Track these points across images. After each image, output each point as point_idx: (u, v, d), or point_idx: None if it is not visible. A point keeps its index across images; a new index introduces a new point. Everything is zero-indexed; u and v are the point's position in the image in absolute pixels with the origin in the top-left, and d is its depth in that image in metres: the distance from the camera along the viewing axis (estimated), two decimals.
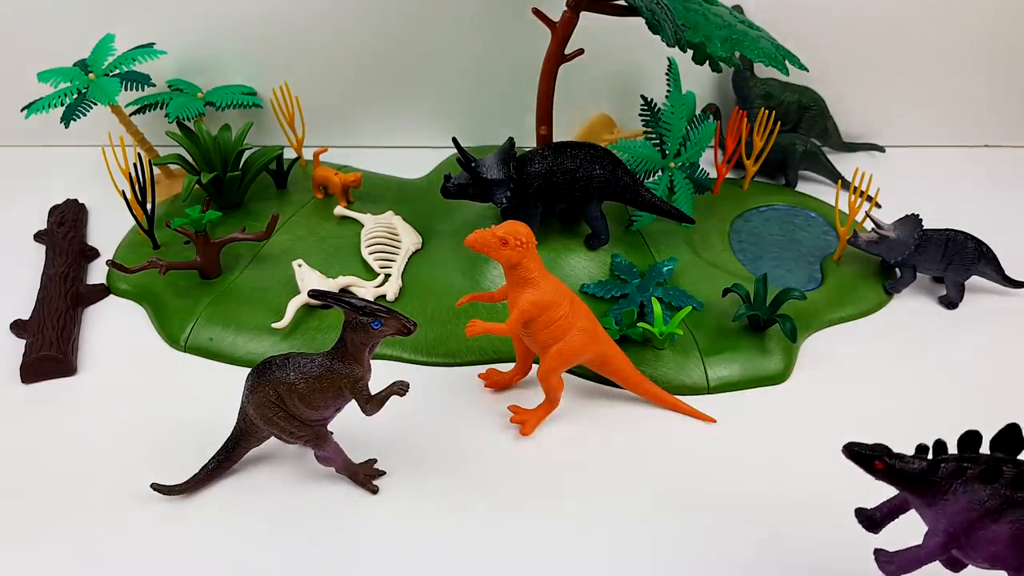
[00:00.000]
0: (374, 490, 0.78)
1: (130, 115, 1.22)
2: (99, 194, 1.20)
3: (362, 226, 1.10)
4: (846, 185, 1.23)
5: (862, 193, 1.09)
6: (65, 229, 1.11)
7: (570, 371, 0.92)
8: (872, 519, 0.65)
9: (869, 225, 1.07)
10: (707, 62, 0.91)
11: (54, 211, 1.17)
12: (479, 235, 0.76)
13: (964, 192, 1.28)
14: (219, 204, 1.14)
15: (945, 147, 1.40)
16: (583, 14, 0.97)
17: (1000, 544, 0.59)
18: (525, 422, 0.84)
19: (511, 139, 0.98)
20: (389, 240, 1.07)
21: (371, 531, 0.75)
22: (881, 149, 1.35)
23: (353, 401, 0.73)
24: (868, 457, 0.61)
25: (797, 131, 1.27)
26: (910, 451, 0.62)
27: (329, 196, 1.19)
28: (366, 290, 1.00)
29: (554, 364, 0.81)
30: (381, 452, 0.82)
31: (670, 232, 1.10)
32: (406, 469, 0.81)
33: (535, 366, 0.88)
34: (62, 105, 1.13)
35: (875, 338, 0.99)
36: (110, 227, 1.15)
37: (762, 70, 1.24)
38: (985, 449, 0.61)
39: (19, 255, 1.10)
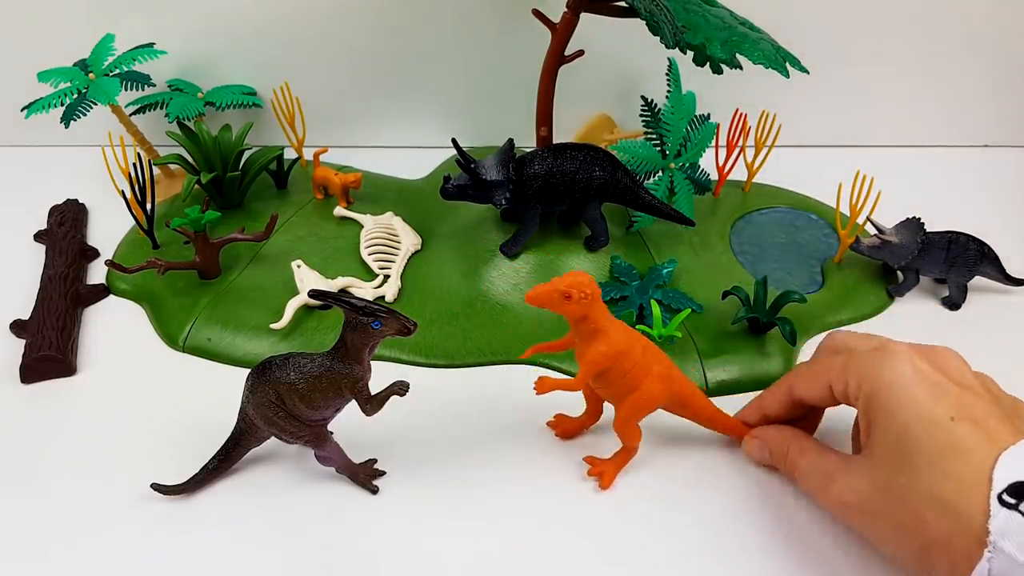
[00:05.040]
0: (374, 490, 0.78)
1: (130, 115, 1.22)
2: (99, 194, 1.20)
3: (362, 227, 1.10)
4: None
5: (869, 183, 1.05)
6: (65, 229, 1.11)
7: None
8: None
9: (871, 229, 1.07)
10: (707, 64, 0.91)
11: (54, 211, 1.17)
12: (540, 291, 0.70)
13: (964, 192, 1.28)
14: (219, 204, 1.14)
15: (945, 147, 1.40)
16: (583, 15, 0.97)
17: None
18: (603, 474, 0.79)
19: (511, 140, 0.98)
20: (388, 241, 1.07)
21: (371, 531, 0.75)
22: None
23: (353, 401, 0.73)
24: None
25: None
26: None
27: (329, 197, 1.19)
28: (365, 291, 1.00)
29: (630, 414, 0.76)
30: (381, 452, 0.82)
31: (670, 234, 1.10)
32: (406, 469, 0.81)
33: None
34: (62, 105, 1.13)
35: None
36: (110, 227, 1.15)
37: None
38: None
39: (19, 255, 1.10)
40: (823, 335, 0.98)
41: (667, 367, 0.76)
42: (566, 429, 0.84)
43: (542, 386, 0.72)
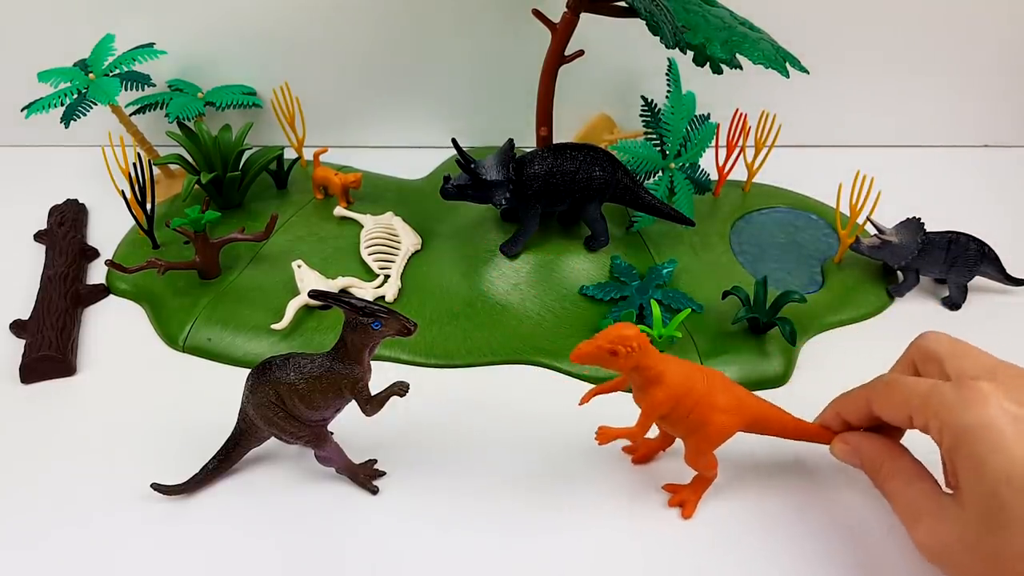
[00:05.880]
0: (374, 490, 0.78)
1: (130, 115, 1.22)
2: (99, 194, 1.20)
3: (362, 227, 1.10)
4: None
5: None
6: (65, 229, 1.11)
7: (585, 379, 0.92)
8: None
9: (872, 229, 1.07)
10: (707, 64, 0.91)
11: (54, 211, 1.17)
12: (584, 349, 0.66)
13: (964, 192, 1.28)
14: (219, 204, 1.14)
15: (945, 147, 1.40)
16: (583, 15, 0.97)
17: None
18: (685, 503, 0.77)
19: (511, 140, 0.98)
20: (388, 241, 1.07)
21: (371, 531, 0.75)
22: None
23: (353, 402, 0.73)
24: None
25: None
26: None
27: (329, 197, 1.19)
28: (365, 291, 1.00)
29: (701, 450, 0.73)
30: (381, 452, 0.82)
31: (670, 234, 1.10)
32: (406, 469, 0.81)
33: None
34: (62, 105, 1.13)
35: (876, 341, 0.99)
36: (110, 227, 1.15)
37: None
38: None
39: (19, 255, 1.10)
40: (824, 335, 0.99)
41: (735, 396, 0.72)
42: (643, 454, 0.81)
43: (603, 437, 0.71)
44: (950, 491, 0.63)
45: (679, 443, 0.77)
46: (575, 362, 0.67)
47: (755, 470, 0.81)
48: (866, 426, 0.73)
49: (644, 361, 0.67)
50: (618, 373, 0.73)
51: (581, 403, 0.74)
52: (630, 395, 0.73)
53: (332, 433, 0.78)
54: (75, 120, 1.13)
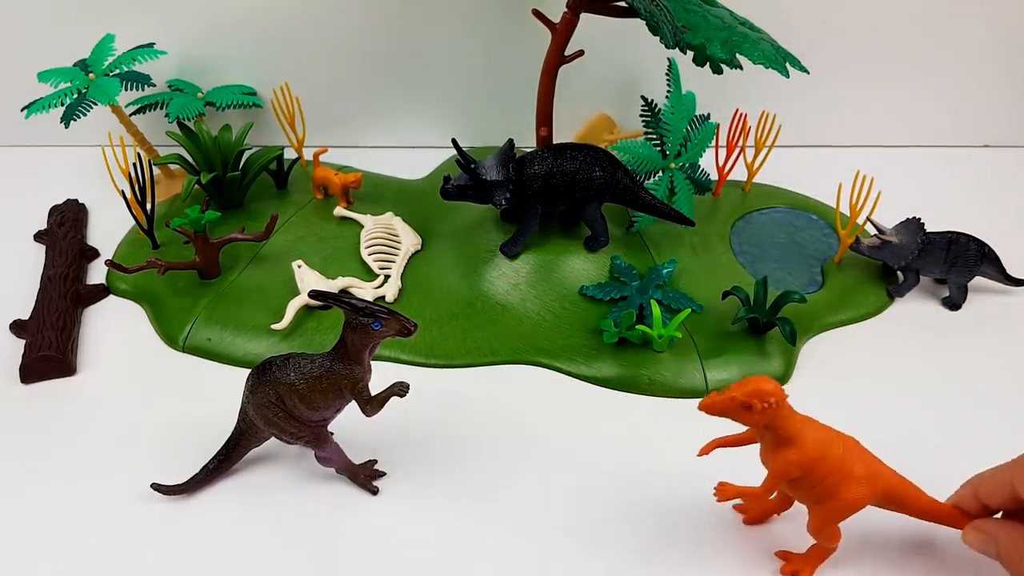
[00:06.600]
0: (374, 490, 0.78)
1: (130, 115, 1.22)
2: (99, 194, 1.20)
3: (362, 227, 1.10)
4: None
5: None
6: (65, 229, 1.11)
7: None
8: None
9: (871, 229, 1.07)
10: (707, 64, 0.91)
11: (54, 211, 1.17)
12: (717, 400, 0.63)
13: (964, 192, 1.28)
14: (219, 204, 1.14)
15: (945, 147, 1.40)
16: (583, 15, 0.97)
17: None
18: (798, 573, 0.71)
19: (511, 140, 0.98)
20: (389, 241, 1.07)
21: (371, 531, 0.75)
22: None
23: (353, 402, 0.73)
24: None
25: None
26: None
27: (329, 197, 1.19)
28: (365, 291, 1.00)
29: (828, 521, 0.68)
30: (381, 452, 0.82)
31: (670, 234, 1.10)
32: (406, 469, 0.81)
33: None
34: (62, 105, 1.13)
35: (877, 341, 0.99)
36: (110, 227, 1.15)
37: None
38: None
39: (19, 255, 1.10)
40: (824, 335, 0.99)
41: (872, 468, 0.67)
42: (755, 516, 0.76)
43: (723, 495, 0.68)
44: None
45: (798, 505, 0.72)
46: (703, 411, 0.63)
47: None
48: (1008, 509, 0.68)
49: (778, 421, 0.63)
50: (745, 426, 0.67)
51: (700, 454, 0.69)
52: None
53: (332, 433, 0.78)
54: (75, 120, 1.13)
